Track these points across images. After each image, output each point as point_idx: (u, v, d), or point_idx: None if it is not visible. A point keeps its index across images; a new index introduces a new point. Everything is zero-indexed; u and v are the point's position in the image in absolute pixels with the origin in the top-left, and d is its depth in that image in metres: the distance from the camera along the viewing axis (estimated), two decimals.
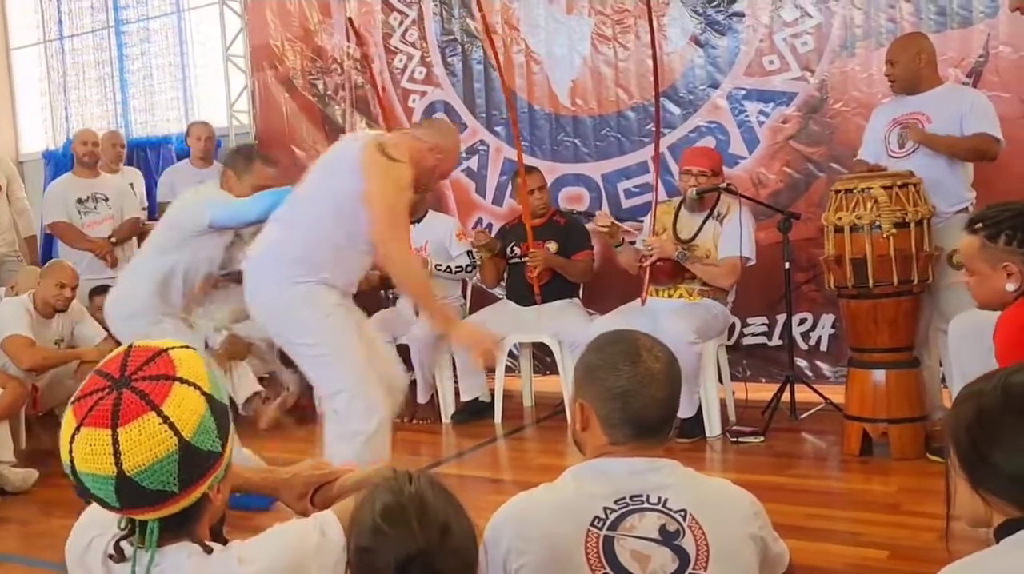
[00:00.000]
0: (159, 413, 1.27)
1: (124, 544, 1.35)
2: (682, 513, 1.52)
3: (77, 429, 1.27)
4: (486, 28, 5.44)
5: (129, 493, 1.27)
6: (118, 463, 1.25)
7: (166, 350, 1.35)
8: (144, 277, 3.86)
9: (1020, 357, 2.24)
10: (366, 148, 3.03)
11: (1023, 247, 2.42)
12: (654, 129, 5.07)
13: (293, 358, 3.26)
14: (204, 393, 1.32)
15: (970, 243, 2.52)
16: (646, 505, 1.53)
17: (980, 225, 2.49)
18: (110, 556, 1.35)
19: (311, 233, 3.09)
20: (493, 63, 5.60)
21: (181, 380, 1.31)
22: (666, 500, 1.53)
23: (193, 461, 1.29)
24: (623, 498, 1.54)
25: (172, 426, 1.27)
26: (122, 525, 1.36)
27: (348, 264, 3.18)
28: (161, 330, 3.72)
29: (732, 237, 4.35)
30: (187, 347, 1.38)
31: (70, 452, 1.28)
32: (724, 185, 4.52)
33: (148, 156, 7.43)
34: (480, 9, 5.45)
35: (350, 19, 5.75)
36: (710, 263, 4.39)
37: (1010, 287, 2.44)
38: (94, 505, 1.35)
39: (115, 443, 1.25)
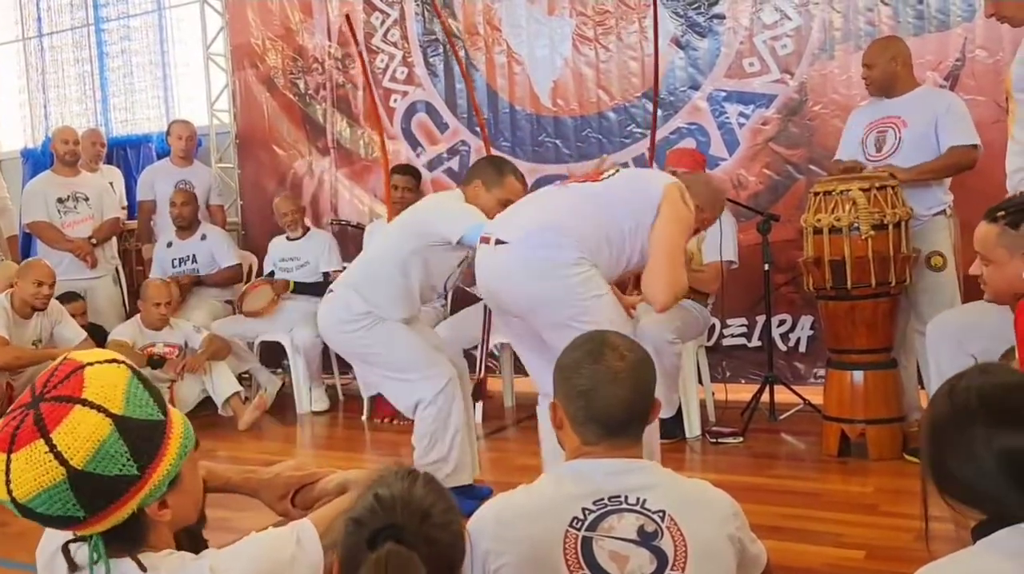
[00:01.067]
0: (47, 441, 1.23)
1: (75, 549, 1.32)
2: (660, 514, 1.53)
3: None
4: (446, 31, 5.45)
5: (32, 516, 1.25)
6: (9, 490, 1.23)
7: (84, 365, 1.30)
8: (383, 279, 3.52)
9: None
10: (669, 190, 2.86)
11: None
12: (643, 129, 5.10)
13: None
14: (111, 415, 1.26)
15: (988, 230, 2.49)
16: (624, 506, 1.54)
17: (1002, 213, 2.48)
18: (68, 563, 1.33)
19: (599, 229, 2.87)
20: (470, 64, 5.59)
21: (84, 402, 1.25)
22: (644, 501, 1.54)
23: (91, 488, 1.24)
24: (601, 499, 1.55)
25: (59, 455, 1.22)
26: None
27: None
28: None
29: (715, 241, 4.38)
30: (116, 361, 1.33)
31: None
32: None
33: (128, 155, 7.40)
34: (438, 15, 5.46)
35: (347, 17, 5.73)
36: (696, 270, 4.41)
37: None
38: None
39: (7, 470, 1.23)
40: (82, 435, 1.24)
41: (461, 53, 5.80)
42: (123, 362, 1.34)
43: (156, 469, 1.30)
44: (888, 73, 4.06)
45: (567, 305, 2.74)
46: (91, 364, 1.30)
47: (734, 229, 4.50)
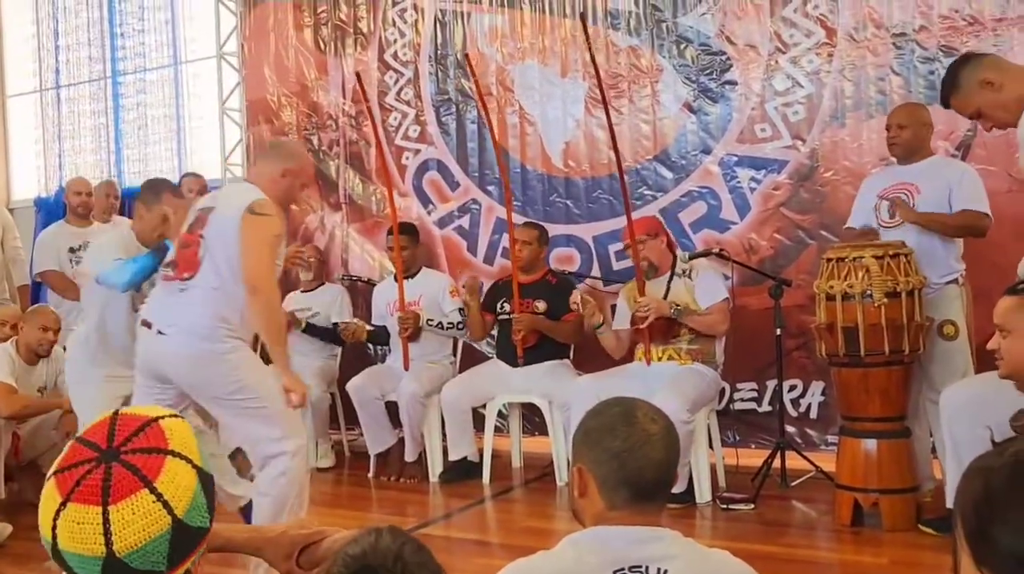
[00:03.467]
0: (152, 490, 1.19)
1: None
2: None
3: (63, 504, 1.19)
4: (479, 92, 5.50)
5: (115, 571, 1.20)
6: (108, 543, 1.17)
7: (156, 419, 1.28)
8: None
9: None
10: (243, 219, 3.23)
11: None
12: (654, 191, 5.17)
13: (221, 412, 3.36)
14: (195, 466, 1.25)
15: (1009, 302, 2.55)
16: None
17: (1022, 286, 2.55)
18: None
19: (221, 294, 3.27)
20: (485, 122, 5.65)
21: (173, 454, 1.24)
22: (666, 571, 1.51)
23: (184, 539, 1.22)
24: (622, 569, 1.52)
25: (166, 504, 1.20)
26: None
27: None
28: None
29: (710, 286, 4.46)
30: (175, 416, 1.32)
31: (53, 529, 1.19)
32: (716, 250, 4.56)
33: None
34: (472, 73, 5.52)
35: (358, 74, 5.81)
36: (701, 314, 4.42)
37: None
38: None
39: (105, 522, 1.17)
40: (182, 485, 1.22)
41: (468, 112, 5.85)
42: (181, 416, 1.33)
43: (213, 522, 1.29)
44: (919, 137, 4.08)
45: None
46: (161, 418, 1.29)
47: (719, 273, 4.55)
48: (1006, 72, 3.23)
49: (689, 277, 4.51)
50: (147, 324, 3.35)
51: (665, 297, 4.49)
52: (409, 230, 5.59)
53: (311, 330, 5.69)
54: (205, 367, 3.23)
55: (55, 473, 1.22)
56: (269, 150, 3.78)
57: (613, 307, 4.92)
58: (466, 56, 5.69)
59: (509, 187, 5.42)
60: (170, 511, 1.20)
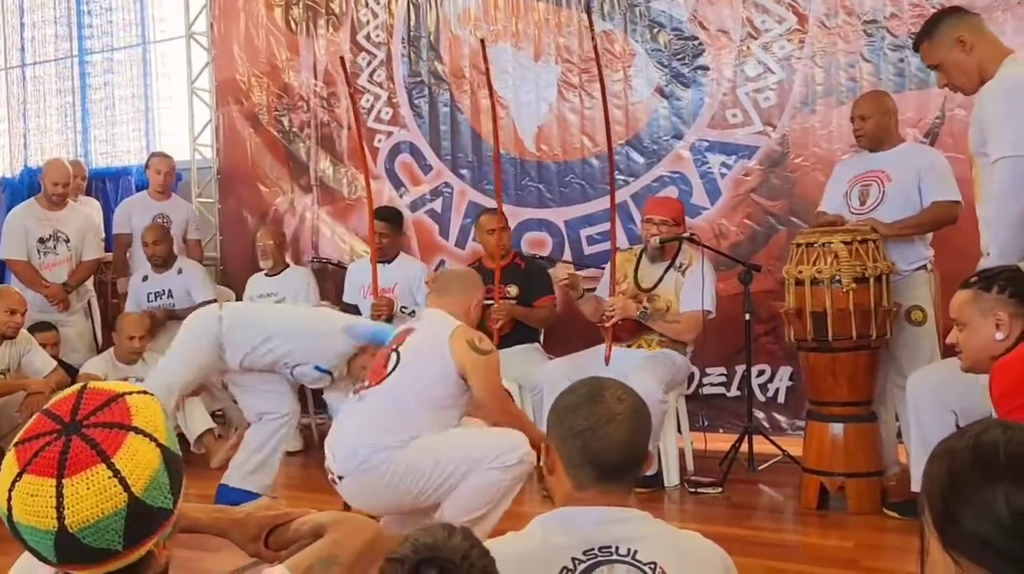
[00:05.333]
0: (110, 466, 1.17)
1: None
2: (652, 566, 1.50)
3: (19, 475, 1.17)
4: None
5: (69, 549, 1.17)
6: (60, 518, 1.15)
7: (122, 395, 1.25)
8: None
9: (1020, 401, 2.27)
10: (457, 354, 3.24)
11: (1013, 298, 2.49)
12: (626, 176, 5.15)
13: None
14: (160, 445, 1.22)
15: (963, 296, 2.58)
16: (615, 557, 1.51)
17: (975, 279, 2.58)
18: None
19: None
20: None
21: (136, 430, 1.21)
22: (636, 552, 1.51)
23: (142, 518, 1.19)
24: (591, 549, 1.52)
25: (123, 481, 1.17)
26: None
27: None
28: None
29: (694, 290, 4.38)
30: (145, 392, 1.29)
31: (8, 499, 1.18)
32: (686, 235, 4.56)
33: (107, 187, 7.34)
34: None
35: (342, 59, 5.74)
36: (672, 319, 4.40)
37: (999, 336, 2.48)
38: (28, 555, 1.28)
39: (59, 495, 1.15)
40: (141, 462, 1.20)
41: (441, 94, 5.82)
42: (151, 393, 1.30)
43: (178, 504, 1.27)
44: (883, 126, 4.11)
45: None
46: (128, 393, 1.26)
47: (714, 278, 4.52)
48: (982, 38, 3.26)
49: (683, 273, 4.50)
50: None
51: (656, 286, 4.47)
52: (394, 216, 5.54)
53: None
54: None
55: (16, 444, 1.21)
56: (451, 284, 3.68)
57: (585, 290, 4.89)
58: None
59: (500, 176, 5.38)
60: (126, 488, 1.18)
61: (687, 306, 4.42)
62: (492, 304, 4.91)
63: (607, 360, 4.40)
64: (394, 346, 3.35)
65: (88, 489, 1.16)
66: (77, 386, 1.28)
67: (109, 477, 1.17)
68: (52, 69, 7.89)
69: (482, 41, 5.04)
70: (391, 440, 3.14)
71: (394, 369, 3.26)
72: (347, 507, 3.31)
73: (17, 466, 1.18)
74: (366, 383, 3.34)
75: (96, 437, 1.19)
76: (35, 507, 1.16)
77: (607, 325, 4.40)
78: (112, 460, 1.18)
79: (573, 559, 1.51)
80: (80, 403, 1.23)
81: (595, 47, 4.64)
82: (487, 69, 4.92)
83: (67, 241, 5.82)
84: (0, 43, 8.11)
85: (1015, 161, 3.02)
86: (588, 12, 5.03)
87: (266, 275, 5.89)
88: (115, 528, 1.18)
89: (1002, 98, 3.09)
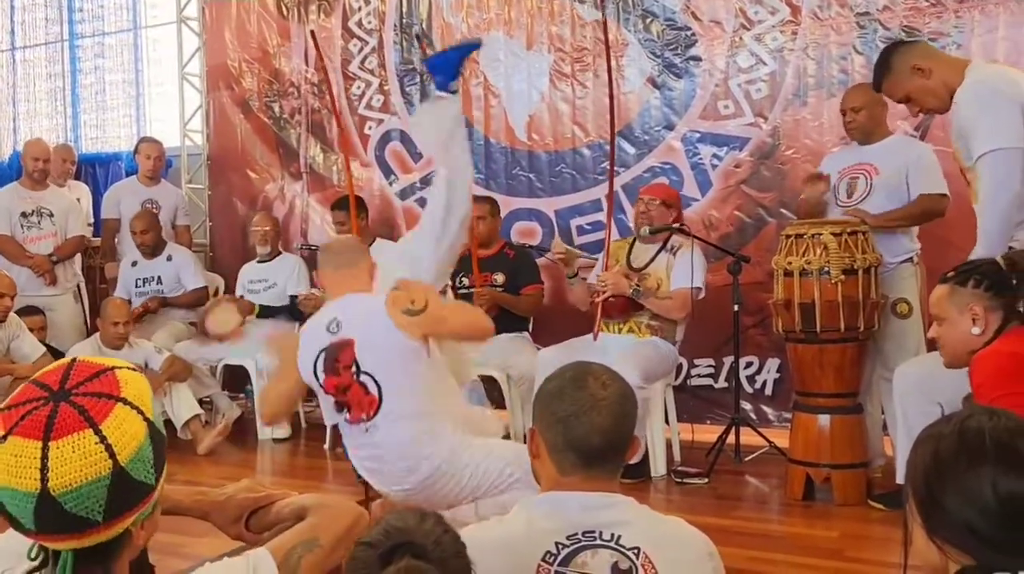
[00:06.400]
0: (97, 431, 1.17)
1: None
2: (635, 551, 1.51)
3: (3, 438, 1.17)
4: None
5: (49, 514, 1.17)
6: (44, 479, 1.15)
7: (112, 368, 1.26)
8: None
9: (997, 394, 2.29)
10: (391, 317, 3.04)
11: (988, 291, 2.50)
12: (618, 167, 5.13)
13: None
14: (146, 419, 1.23)
15: (940, 291, 2.60)
16: (599, 541, 1.51)
17: (951, 274, 2.60)
18: None
19: None
20: None
21: (124, 401, 1.22)
22: (619, 537, 1.52)
23: (124, 489, 1.19)
24: (575, 534, 1.52)
25: (109, 448, 1.17)
26: (33, 554, 1.25)
27: None
28: None
29: (684, 269, 4.40)
30: (133, 369, 1.30)
31: None
32: (677, 226, 4.56)
33: (97, 172, 7.32)
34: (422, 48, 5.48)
35: (312, 32, 5.70)
36: (663, 296, 4.42)
37: (975, 331, 2.50)
38: (6, 535, 1.26)
39: (44, 457, 1.15)
40: (128, 432, 1.20)
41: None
42: (139, 370, 1.31)
43: (159, 483, 1.27)
44: (874, 117, 4.12)
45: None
46: (118, 367, 1.27)
47: (704, 260, 4.51)
48: (936, 60, 3.35)
49: (673, 254, 4.50)
50: None
51: (648, 264, 4.47)
52: (347, 205, 5.34)
53: (265, 312, 5.62)
54: None
55: (2, 409, 1.21)
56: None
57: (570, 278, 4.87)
58: (418, 38, 5.64)
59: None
60: (112, 455, 1.18)
61: (677, 284, 4.43)
62: (473, 291, 4.91)
63: (595, 336, 4.41)
64: (348, 365, 2.97)
65: (74, 452, 1.16)
66: (66, 359, 1.29)
67: (96, 443, 1.17)
68: (42, 53, 7.86)
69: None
70: (436, 442, 2.94)
71: (379, 393, 2.96)
72: (368, 497, 3.30)
73: (2, 429, 1.18)
74: (362, 415, 3.01)
75: (85, 404, 1.20)
76: (18, 468, 1.16)
77: (597, 300, 4.41)
78: (100, 426, 1.18)
79: (557, 544, 1.51)
80: (70, 373, 1.24)
81: (606, 37, 4.65)
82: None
83: (51, 215, 5.79)
84: None
85: (996, 155, 3.06)
86: (604, 26, 5.00)
87: (258, 262, 5.87)
88: (97, 495, 1.18)
89: (973, 99, 3.14)
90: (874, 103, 4.11)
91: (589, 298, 4.52)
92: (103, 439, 1.18)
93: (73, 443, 1.16)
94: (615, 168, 5.35)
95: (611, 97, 4.61)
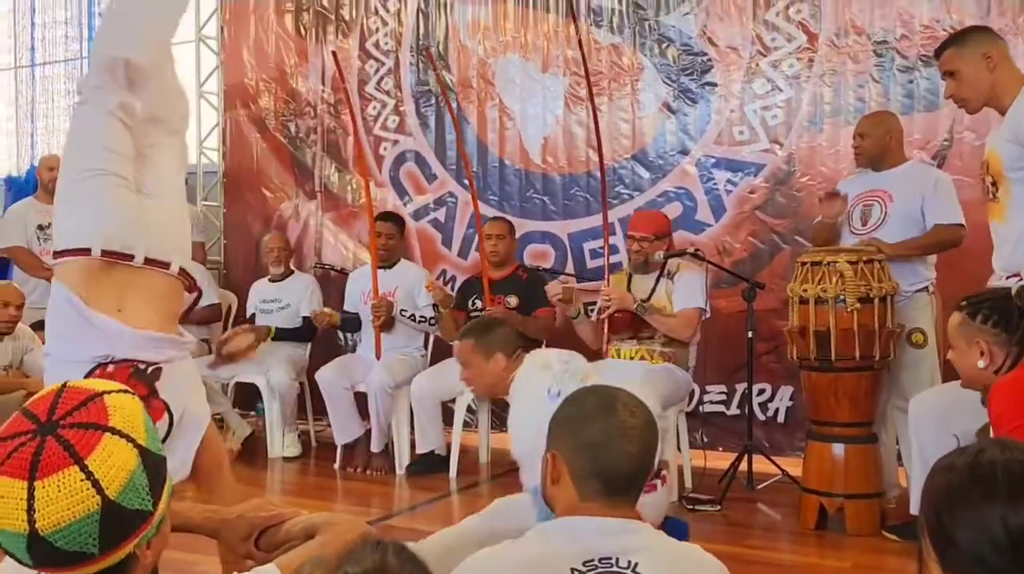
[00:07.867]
0: (83, 468, 1.16)
1: None
2: None
3: None
4: (440, 82, 5.48)
5: (43, 552, 1.16)
6: (31, 521, 1.14)
7: (101, 394, 1.24)
8: None
9: (1015, 424, 2.27)
10: None
11: (996, 327, 2.50)
12: (631, 190, 5.18)
13: None
14: (137, 446, 1.21)
15: (953, 319, 2.61)
16: (615, 568, 1.49)
17: (965, 303, 2.60)
18: None
19: None
20: (461, 116, 5.65)
21: (113, 430, 1.20)
22: (636, 564, 1.50)
23: (116, 521, 1.18)
24: (591, 560, 1.50)
25: (96, 483, 1.16)
26: None
27: None
28: None
29: (686, 290, 4.40)
30: (126, 391, 1.28)
31: None
32: (691, 251, 4.56)
33: None
34: (432, 67, 5.50)
35: (334, 53, 5.74)
36: (668, 315, 4.40)
37: (980, 364, 2.50)
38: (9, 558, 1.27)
39: (30, 498, 1.14)
40: (116, 464, 1.18)
41: (454, 104, 5.82)
42: (132, 392, 1.29)
43: (159, 506, 1.25)
44: (881, 146, 4.11)
45: None
46: (108, 392, 1.24)
47: (703, 279, 4.48)
48: (1006, 62, 3.32)
49: (671, 279, 4.49)
50: None
51: (649, 297, 4.46)
52: (395, 219, 5.56)
53: (281, 335, 5.60)
54: None
55: None
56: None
57: (586, 305, 4.88)
58: (427, 51, 5.68)
59: (472, 180, 5.44)
60: (100, 491, 1.16)
61: (681, 305, 4.42)
62: (486, 312, 4.91)
63: (605, 352, 4.40)
64: None
65: (59, 491, 1.15)
66: (57, 385, 1.27)
67: (81, 479, 1.16)
68: (61, 70, 7.91)
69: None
70: None
71: None
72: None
73: None
74: None
75: (70, 438, 1.18)
76: (5, 509, 1.15)
77: (602, 316, 4.41)
78: (85, 462, 1.17)
79: (572, 570, 1.50)
80: (58, 402, 1.22)
81: (583, 55, 4.71)
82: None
83: None
84: (10, 42, 8.12)
85: None
86: (574, 18, 5.05)
87: (270, 281, 5.88)
88: (88, 531, 1.16)
89: None
90: (881, 131, 4.11)
91: (596, 331, 4.51)
92: (89, 475, 1.16)
93: (59, 482, 1.15)
94: (628, 192, 5.41)
95: (596, 126, 4.63)
